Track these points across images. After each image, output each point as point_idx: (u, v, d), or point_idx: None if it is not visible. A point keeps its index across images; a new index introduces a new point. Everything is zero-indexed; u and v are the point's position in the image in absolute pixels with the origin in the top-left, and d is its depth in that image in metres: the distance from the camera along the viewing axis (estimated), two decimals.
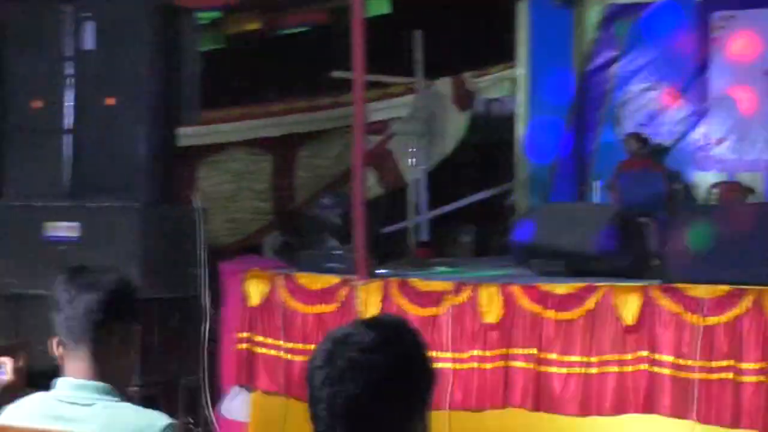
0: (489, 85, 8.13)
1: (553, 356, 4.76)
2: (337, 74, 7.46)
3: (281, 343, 5.42)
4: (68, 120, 6.39)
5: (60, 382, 2.54)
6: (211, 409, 6.09)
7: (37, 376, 2.87)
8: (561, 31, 7.11)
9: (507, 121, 7.51)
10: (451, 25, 8.45)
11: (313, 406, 1.89)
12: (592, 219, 5.38)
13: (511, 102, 7.61)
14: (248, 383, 5.61)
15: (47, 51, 6.43)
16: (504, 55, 7.74)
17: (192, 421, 6.05)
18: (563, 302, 4.77)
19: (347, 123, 6.51)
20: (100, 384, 2.50)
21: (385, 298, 5.14)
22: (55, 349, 2.56)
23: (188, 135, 7.12)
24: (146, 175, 6.27)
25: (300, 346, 5.33)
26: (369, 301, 5.16)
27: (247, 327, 5.56)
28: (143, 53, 6.28)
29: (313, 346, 5.10)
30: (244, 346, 5.56)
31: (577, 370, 4.71)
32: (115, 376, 2.54)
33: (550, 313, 4.77)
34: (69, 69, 6.38)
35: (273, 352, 5.46)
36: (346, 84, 6.04)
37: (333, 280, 5.30)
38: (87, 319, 2.49)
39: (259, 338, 5.53)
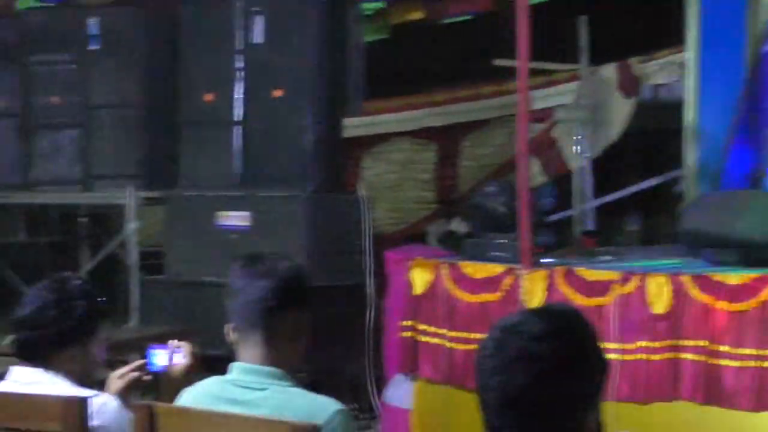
0: (656, 70, 7.92)
1: (725, 349, 4.60)
2: (500, 62, 7.41)
3: (445, 331, 5.42)
4: (238, 112, 6.58)
5: (234, 367, 2.61)
6: (375, 396, 6.16)
7: (210, 361, 2.97)
8: (733, 12, 6.84)
9: (675, 107, 7.30)
10: (617, 9, 8.27)
11: (483, 395, 1.88)
12: (766, 207, 5.18)
13: (680, 87, 7.39)
14: (411, 371, 5.64)
15: (218, 45, 6.63)
16: (672, 38, 7.51)
17: (356, 407, 6.14)
18: (736, 293, 4.61)
19: (511, 111, 6.46)
20: (273, 369, 2.55)
21: (550, 288, 5.07)
22: (230, 335, 2.63)
23: (353, 125, 7.21)
24: (313, 165, 6.40)
25: (464, 334, 5.32)
26: (533, 290, 5.11)
27: (411, 315, 5.58)
28: (310, 45, 6.41)
29: (476, 335, 5.14)
30: (408, 334, 5.59)
31: (751, 363, 4.54)
32: (287, 362, 2.59)
33: (722, 304, 4.61)
34: (239, 62, 6.56)
35: (436, 340, 5.47)
36: (510, 72, 6.00)
37: (497, 268, 5.27)
38: (261, 305, 2.55)
39: (423, 326, 5.55)
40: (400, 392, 5.72)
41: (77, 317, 2.89)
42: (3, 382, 2.94)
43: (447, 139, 8.44)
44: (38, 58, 7.21)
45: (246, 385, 2.55)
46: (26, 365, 2.91)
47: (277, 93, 6.45)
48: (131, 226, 6.78)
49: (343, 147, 6.89)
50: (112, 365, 3.15)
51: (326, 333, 5.83)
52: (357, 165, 8.14)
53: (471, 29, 8.34)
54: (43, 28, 7.23)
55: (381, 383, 6.05)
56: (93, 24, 7.02)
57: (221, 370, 2.66)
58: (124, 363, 3.19)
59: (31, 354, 2.90)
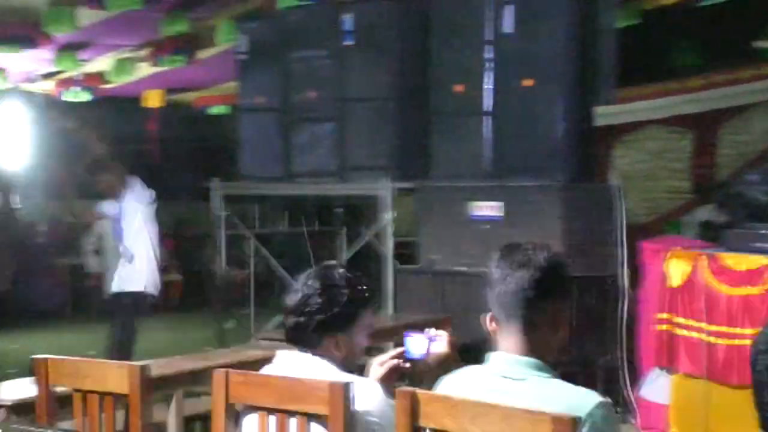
0: None
1: None
2: (760, 44, 7.09)
3: (704, 325, 5.26)
4: (488, 102, 6.59)
5: (493, 357, 2.61)
6: (630, 389, 6.03)
7: (462, 350, 2.99)
8: None
9: None
10: None
11: (759, 393, 1.81)
12: None
13: None
14: (668, 365, 5.50)
15: (468, 36, 6.66)
16: None
17: (610, 401, 6.03)
18: None
19: None
20: (533, 360, 2.54)
21: None
22: (488, 325, 2.63)
23: (605, 113, 7.08)
24: (564, 154, 6.33)
25: (724, 329, 5.13)
26: None
27: (667, 308, 5.44)
28: (561, 34, 6.33)
29: (738, 330, 4.92)
30: (664, 327, 5.45)
31: None
32: (545, 353, 2.57)
33: None
34: (489, 53, 6.57)
35: (695, 334, 5.31)
36: None
37: (761, 260, 5.05)
38: (519, 296, 2.54)
39: (680, 320, 5.40)
40: (657, 386, 5.59)
41: (342, 305, 2.98)
42: (270, 365, 3.07)
43: (703, 127, 8.15)
44: (296, 54, 7.49)
45: (506, 375, 2.55)
46: (293, 349, 3.03)
47: (528, 82, 6.42)
48: (386, 216, 6.92)
49: (595, 136, 6.78)
50: (369, 352, 3.22)
51: (579, 324, 5.78)
52: (609, 154, 8.00)
53: (728, 11, 8.00)
54: (301, 26, 7.50)
55: (635, 377, 5.93)
56: (347, 20, 7.22)
57: (472, 359, 2.67)
58: (380, 350, 3.25)
59: (299, 339, 3.01)
